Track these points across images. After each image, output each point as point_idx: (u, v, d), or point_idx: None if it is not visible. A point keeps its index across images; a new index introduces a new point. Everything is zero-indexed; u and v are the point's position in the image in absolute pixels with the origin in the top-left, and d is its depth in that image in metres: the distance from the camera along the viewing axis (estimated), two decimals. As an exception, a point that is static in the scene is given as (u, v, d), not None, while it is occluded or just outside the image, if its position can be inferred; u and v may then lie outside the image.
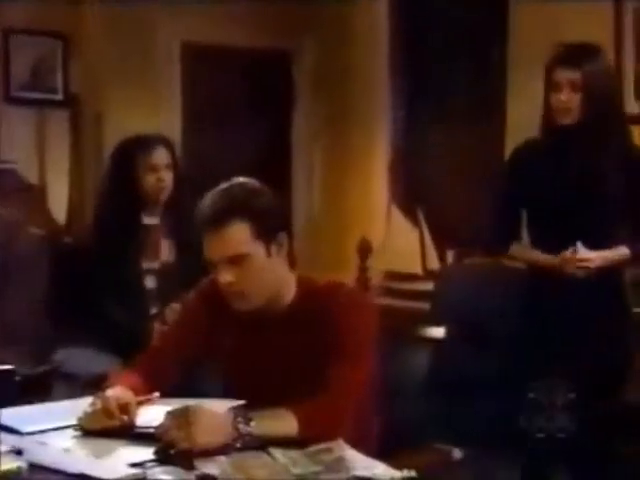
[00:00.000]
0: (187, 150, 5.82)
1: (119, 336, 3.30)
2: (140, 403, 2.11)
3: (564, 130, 3.10)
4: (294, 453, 1.85)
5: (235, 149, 6.02)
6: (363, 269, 5.34)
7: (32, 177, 5.28)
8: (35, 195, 5.29)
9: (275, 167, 6.26)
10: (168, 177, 3.49)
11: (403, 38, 6.04)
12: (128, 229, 3.47)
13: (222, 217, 2.11)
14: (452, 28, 5.76)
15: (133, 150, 3.54)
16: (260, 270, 2.15)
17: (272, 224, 2.19)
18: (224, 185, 2.23)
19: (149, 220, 3.54)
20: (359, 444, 2.13)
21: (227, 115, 5.98)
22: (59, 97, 5.40)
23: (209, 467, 1.73)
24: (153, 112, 5.61)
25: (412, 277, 5.89)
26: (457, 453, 2.50)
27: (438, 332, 2.70)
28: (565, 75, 3.07)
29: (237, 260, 2.12)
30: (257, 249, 2.14)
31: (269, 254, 2.17)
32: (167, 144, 3.58)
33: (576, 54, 3.13)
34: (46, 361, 3.38)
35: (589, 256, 2.99)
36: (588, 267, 2.99)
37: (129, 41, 5.49)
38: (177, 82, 5.78)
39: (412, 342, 2.68)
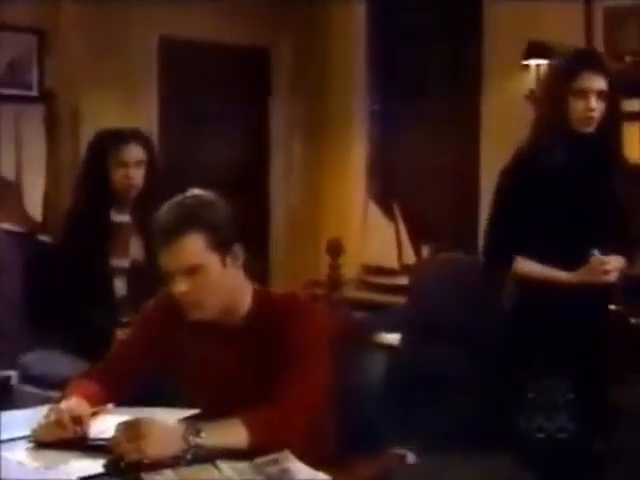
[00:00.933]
0: (164, 145, 5.84)
1: (86, 337, 3.26)
2: (95, 414, 2.14)
3: (582, 138, 2.88)
4: (241, 465, 1.87)
5: (213, 145, 6.06)
6: (334, 267, 5.37)
7: (8, 173, 5.31)
8: (11, 191, 5.32)
9: (253, 162, 6.31)
10: (137, 174, 3.41)
11: (380, 36, 6.10)
12: (96, 225, 3.43)
13: (177, 228, 2.14)
14: (429, 27, 5.80)
15: (104, 144, 3.47)
16: (215, 281, 2.18)
17: (227, 235, 2.22)
18: (179, 197, 2.25)
19: (119, 217, 3.48)
20: (315, 451, 2.18)
21: (205, 111, 6.00)
22: (34, 93, 5.41)
23: (154, 480, 1.77)
24: (130, 108, 5.63)
25: (389, 271, 5.95)
26: (411, 457, 2.54)
27: (393, 339, 2.73)
28: (592, 82, 2.82)
29: (192, 271, 2.15)
30: (212, 260, 2.17)
31: (224, 265, 2.20)
32: (142, 140, 3.50)
33: (600, 60, 2.95)
34: (14, 364, 3.39)
35: (614, 263, 2.84)
36: (615, 273, 2.83)
37: (105, 37, 5.51)
38: (154, 77, 5.80)
39: (369, 347, 2.70)
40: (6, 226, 5.06)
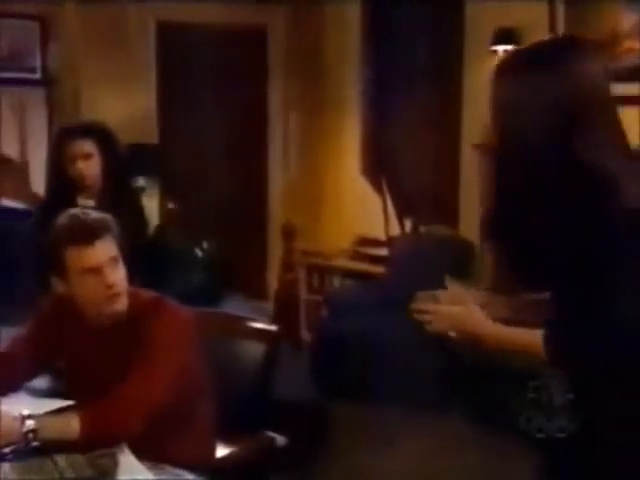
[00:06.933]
0: (164, 126, 6.18)
1: None
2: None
3: None
4: (77, 457, 2.16)
5: (212, 124, 6.34)
6: (288, 250, 5.59)
7: (13, 153, 5.70)
8: (16, 169, 5.71)
9: (252, 138, 6.58)
10: (86, 166, 3.65)
11: (375, 18, 6.27)
12: (59, 209, 3.76)
13: (98, 230, 2.48)
14: (418, 12, 5.98)
15: (57, 140, 3.76)
16: (124, 275, 2.53)
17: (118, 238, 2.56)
18: (75, 210, 2.59)
19: (85, 201, 3.75)
20: (187, 440, 2.51)
21: (203, 91, 6.29)
22: (38, 76, 5.78)
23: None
24: (129, 91, 5.97)
25: (378, 242, 6.21)
26: (280, 440, 2.82)
27: (271, 327, 2.98)
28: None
29: (115, 261, 2.48)
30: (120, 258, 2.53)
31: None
32: (90, 134, 3.70)
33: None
34: None
35: (433, 307, 2.12)
36: (429, 322, 2.11)
37: (105, 23, 5.83)
38: (152, 60, 6.11)
39: (246, 336, 2.97)
40: (11, 203, 5.48)
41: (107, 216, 2.58)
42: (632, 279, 1.86)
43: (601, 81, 2.03)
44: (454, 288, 2.15)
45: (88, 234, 2.46)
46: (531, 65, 2.09)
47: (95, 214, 2.58)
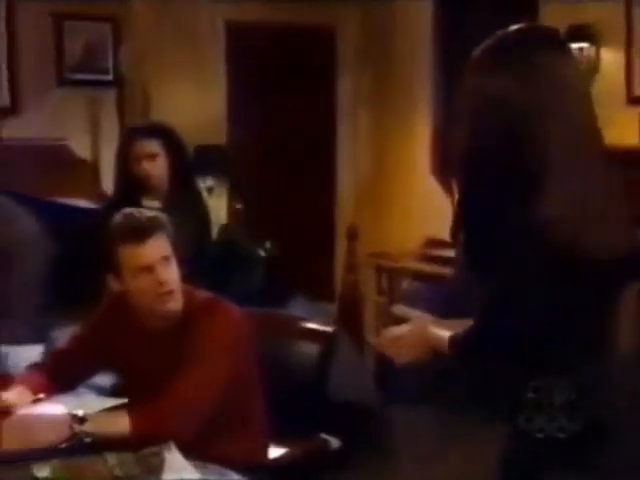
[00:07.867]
0: (233, 124, 6.20)
1: None
2: (36, 401, 2.50)
3: None
4: (127, 455, 2.17)
5: (282, 122, 6.34)
6: (351, 251, 5.54)
7: (85, 153, 5.78)
8: (88, 170, 5.79)
9: (321, 137, 6.57)
10: (151, 166, 3.68)
11: (446, 12, 6.19)
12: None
13: (151, 227, 2.49)
14: (490, 11, 5.87)
15: (124, 140, 3.82)
16: (177, 274, 2.53)
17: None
18: (130, 209, 2.59)
19: (150, 202, 3.72)
20: (241, 439, 2.51)
21: (273, 89, 6.29)
22: (109, 78, 5.86)
23: (42, 469, 2.10)
24: (198, 89, 6.01)
25: (447, 244, 6.13)
26: (335, 443, 2.79)
27: (326, 328, 2.95)
28: None
29: (167, 260, 2.49)
30: (173, 257, 2.53)
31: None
32: (155, 134, 3.73)
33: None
34: (44, 338, 3.77)
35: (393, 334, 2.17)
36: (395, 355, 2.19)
37: (175, 23, 5.88)
38: (222, 60, 6.15)
39: (301, 337, 2.94)
40: (82, 203, 5.54)
41: (161, 215, 2.59)
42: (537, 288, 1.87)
43: (566, 76, 1.93)
44: (414, 316, 2.16)
45: (140, 232, 2.48)
46: (489, 59, 2.03)
47: (149, 213, 2.59)
